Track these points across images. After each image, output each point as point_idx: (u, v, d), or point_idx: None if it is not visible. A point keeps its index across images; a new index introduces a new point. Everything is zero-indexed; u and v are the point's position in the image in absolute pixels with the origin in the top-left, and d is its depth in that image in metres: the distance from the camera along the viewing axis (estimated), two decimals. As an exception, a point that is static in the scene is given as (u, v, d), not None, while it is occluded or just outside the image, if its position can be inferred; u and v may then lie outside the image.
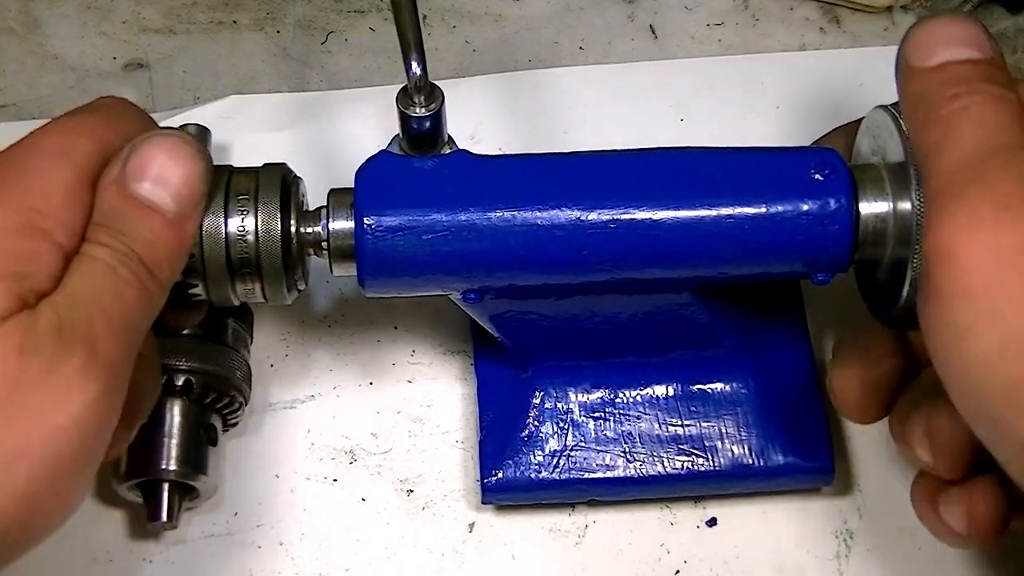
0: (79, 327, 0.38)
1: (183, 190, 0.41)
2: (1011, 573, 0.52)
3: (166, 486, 0.49)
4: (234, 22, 0.65)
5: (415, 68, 0.44)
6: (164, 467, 0.49)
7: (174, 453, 0.49)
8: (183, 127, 0.56)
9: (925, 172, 0.40)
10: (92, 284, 0.39)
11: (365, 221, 0.45)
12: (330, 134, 0.61)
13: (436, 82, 0.45)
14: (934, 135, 0.40)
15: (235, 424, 0.53)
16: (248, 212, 0.45)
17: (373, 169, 0.46)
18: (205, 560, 0.52)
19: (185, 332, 0.50)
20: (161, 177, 0.41)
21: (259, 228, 0.45)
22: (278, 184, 0.46)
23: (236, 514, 0.53)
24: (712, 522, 0.53)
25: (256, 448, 0.54)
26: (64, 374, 0.37)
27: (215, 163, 0.46)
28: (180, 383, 0.49)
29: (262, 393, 0.55)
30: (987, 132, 0.39)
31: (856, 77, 0.63)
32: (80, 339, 0.37)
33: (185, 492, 0.50)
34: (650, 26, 0.65)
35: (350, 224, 0.45)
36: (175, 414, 0.50)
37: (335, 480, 0.54)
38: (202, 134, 0.57)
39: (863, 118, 0.48)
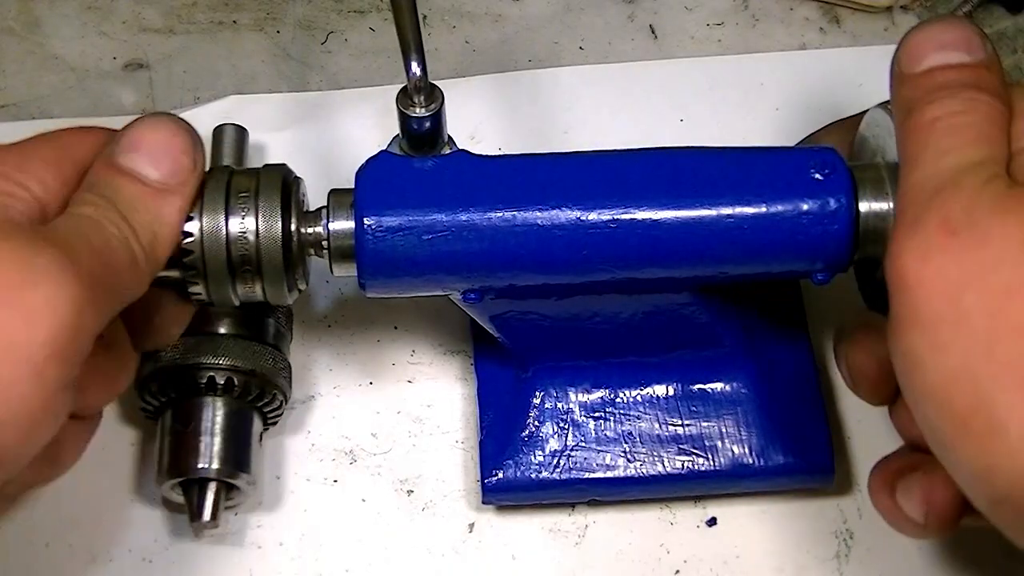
0: (59, 236, 0.38)
1: (166, 161, 0.42)
2: (1011, 573, 0.52)
3: (213, 485, 0.49)
4: (234, 22, 0.65)
5: (415, 68, 0.44)
6: (208, 466, 0.49)
7: (218, 452, 0.49)
8: (220, 127, 0.56)
9: (901, 175, 0.40)
10: (78, 224, 0.39)
11: (365, 221, 0.45)
12: (330, 134, 0.61)
13: (436, 82, 0.45)
14: (909, 146, 0.40)
15: (275, 422, 0.53)
16: (249, 211, 0.45)
17: (373, 169, 0.46)
18: (205, 560, 0.52)
19: (224, 332, 0.50)
20: (145, 149, 0.42)
21: (259, 227, 0.45)
22: (279, 184, 0.46)
23: (236, 514, 0.53)
24: (712, 522, 0.53)
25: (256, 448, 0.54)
26: (36, 262, 0.36)
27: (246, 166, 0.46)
28: (223, 382, 0.49)
29: (262, 393, 0.55)
30: (955, 146, 0.38)
31: (856, 77, 0.63)
32: (58, 243, 0.37)
33: (227, 491, 0.50)
34: (650, 26, 0.65)
35: (350, 224, 0.45)
36: (219, 413, 0.50)
37: (335, 481, 0.54)
38: (239, 134, 0.57)
39: (859, 114, 0.48)
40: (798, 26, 0.65)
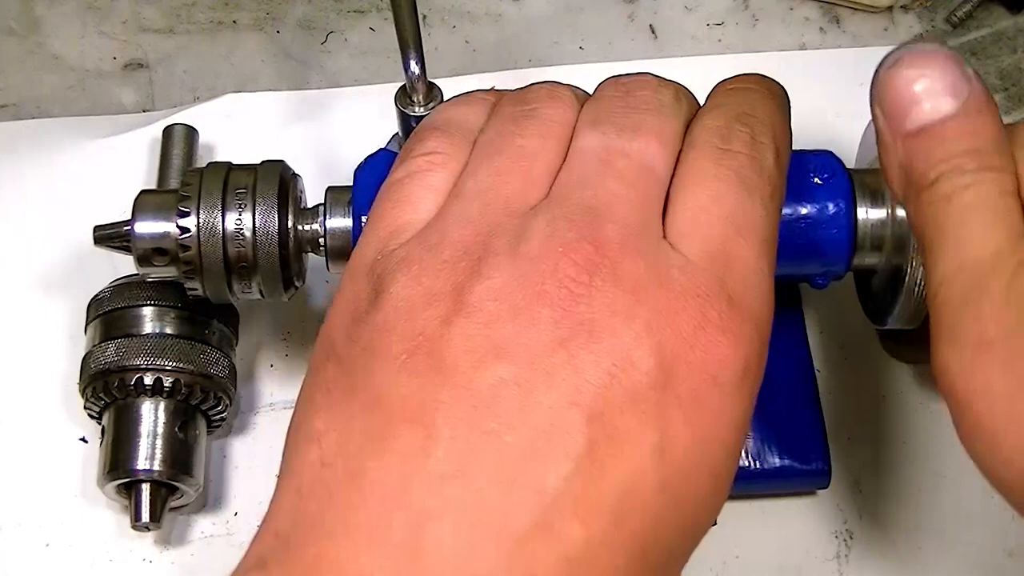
0: None
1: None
2: (1011, 573, 0.52)
3: (146, 486, 0.49)
4: (234, 22, 0.65)
5: (414, 67, 0.44)
6: (145, 467, 0.49)
7: (157, 454, 0.49)
8: (170, 127, 0.56)
9: (926, 263, 0.37)
10: None
11: (363, 219, 0.44)
12: (329, 132, 0.61)
13: (436, 80, 0.45)
14: (926, 231, 0.37)
15: (220, 425, 0.53)
16: (246, 208, 0.45)
17: (372, 167, 0.46)
18: (205, 560, 0.52)
19: (169, 333, 0.50)
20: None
21: (256, 224, 0.45)
22: (276, 180, 0.46)
23: (236, 514, 0.53)
24: (712, 522, 0.53)
25: (256, 448, 0.54)
26: None
27: (212, 161, 0.45)
28: (163, 383, 0.49)
29: (262, 393, 0.55)
30: (973, 235, 0.36)
31: (856, 77, 0.62)
32: None
33: (169, 492, 0.50)
34: (650, 26, 0.65)
35: (347, 222, 0.45)
36: (159, 414, 0.49)
37: (335, 480, 0.54)
38: (190, 134, 0.57)
39: None
40: (798, 26, 0.65)
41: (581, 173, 0.38)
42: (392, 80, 0.62)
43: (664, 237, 0.36)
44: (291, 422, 0.37)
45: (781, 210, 0.39)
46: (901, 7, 0.65)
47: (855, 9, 0.66)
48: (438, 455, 0.32)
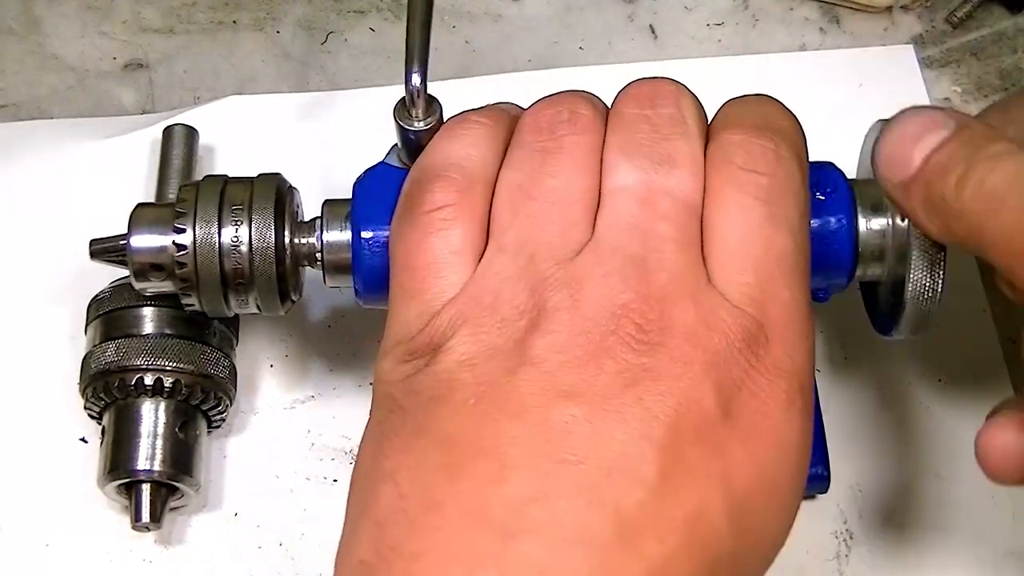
0: None
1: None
2: (1011, 572, 0.52)
3: (147, 487, 0.49)
4: (234, 22, 0.65)
5: (415, 80, 0.44)
6: (145, 467, 0.49)
7: (157, 454, 0.49)
8: (170, 128, 0.57)
9: (1002, 267, 0.36)
10: None
11: (363, 235, 0.44)
12: (329, 134, 0.61)
13: (436, 82, 0.45)
14: (971, 227, 0.36)
15: (220, 425, 0.53)
16: (242, 223, 0.45)
17: (371, 181, 0.45)
18: (205, 560, 0.52)
19: (169, 333, 0.50)
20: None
21: (253, 239, 0.45)
22: (272, 195, 0.46)
23: (236, 514, 0.53)
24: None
25: (256, 448, 0.54)
26: None
27: (208, 174, 0.45)
28: (169, 384, 0.49)
29: (262, 393, 0.55)
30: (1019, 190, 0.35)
31: (856, 77, 0.63)
32: None
33: (169, 492, 0.50)
34: (650, 26, 0.65)
35: (344, 236, 0.45)
36: (159, 415, 0.49)
37: (335, 480, 0.54)
38: (190, 135, 0.57)
39: None
40: (798, 26, 0.65)
41: (624, 217, 0.38)
42: (392, 80, 0.62)
43: (708, 280, 0.37)
44: (354, 472, 0.37)
45: (809, 224, 0.40)
46: (901, 7, 0.65)
47: (855, 9, 0.66)
48: (515, 481, 0.33)
